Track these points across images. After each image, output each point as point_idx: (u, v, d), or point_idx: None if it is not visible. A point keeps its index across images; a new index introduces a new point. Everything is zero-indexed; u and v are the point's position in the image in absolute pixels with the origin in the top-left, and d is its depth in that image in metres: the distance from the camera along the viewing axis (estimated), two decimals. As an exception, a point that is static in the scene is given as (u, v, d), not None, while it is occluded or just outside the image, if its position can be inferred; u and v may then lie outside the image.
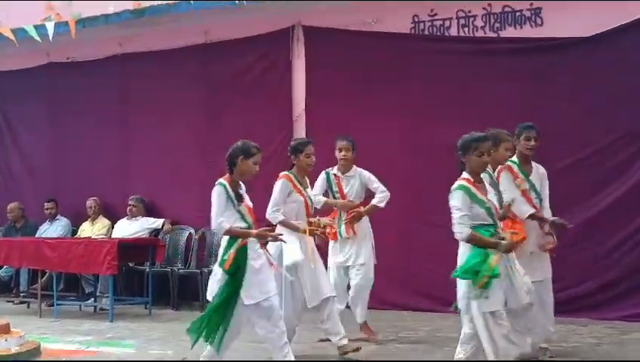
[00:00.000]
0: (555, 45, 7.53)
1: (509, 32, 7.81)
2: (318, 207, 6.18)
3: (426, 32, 8.18)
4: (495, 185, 4.90)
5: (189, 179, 8.90)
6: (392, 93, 8.18)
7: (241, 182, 5.00)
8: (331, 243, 6.29)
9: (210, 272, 5.27)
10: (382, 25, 8.33)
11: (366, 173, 6.33)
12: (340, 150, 6.26)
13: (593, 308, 7.17)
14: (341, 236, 6.21)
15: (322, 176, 6.31)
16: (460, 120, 7.43)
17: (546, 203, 5.54)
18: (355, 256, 6.22)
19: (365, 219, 6.32)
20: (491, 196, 4.47)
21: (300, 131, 8.47)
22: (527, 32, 7.71)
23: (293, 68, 8.86)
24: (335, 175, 6.31)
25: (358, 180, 6.29)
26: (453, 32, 8.06)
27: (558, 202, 7.28)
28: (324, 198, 6.25)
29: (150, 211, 9.47)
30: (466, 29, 8.01)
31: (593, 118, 7.32)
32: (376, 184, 6.28)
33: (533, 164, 5.55)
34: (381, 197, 6.22)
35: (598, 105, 7.32)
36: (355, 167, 6.34)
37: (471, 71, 7.79)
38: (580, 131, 7.35)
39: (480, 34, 7.94)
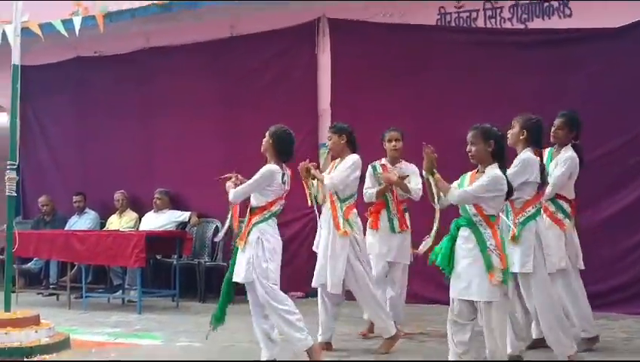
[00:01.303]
0: (583, 36, 7.45)
1: (537, 24, 7.74)
2: (373, 199, 6.09)
3: (453, 24, 8.13)
4: None
5: (215, 172, 8.90)
6: (419, 86, 8.15)
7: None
8: (371, 232, 6.15)
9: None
10: (408, 17, 8.29)
11: (412, 166, 6.14)
12: (390, 140, 6.15)
13: (624, 302, 7.10)
14: (394, 230, 6.08)
15: (369, 170, 6.17)
16: (488, 112, 7.38)
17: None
18: (399, 254, 6.11)
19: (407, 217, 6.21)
20: None
21: (326, 125, 8.43)
22: (556, 23, 7.63)
23: (319, 61, 8.86)
24: (383, 165, 6.21)
25: (406, 172, 6.12)
26: (480, 23, 8.00)
27: (590, 193, 7.24)
28: (375, 190, 6.10)
29: (177, 204, 9.53)
30: (493, 21, 7.95)
31: (621, 109, 7.23)
32: (414, 183, 6.06)
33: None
34: (415, 191, 6.06)
35: (625, 97, 7.24)
36: (402, 160, 6.20)
37: (498, 63, 7.73)
38: (607, 123, 7.25)
39: (507, 25, 7.87)
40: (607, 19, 7.28)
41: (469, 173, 4.51)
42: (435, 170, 4.44)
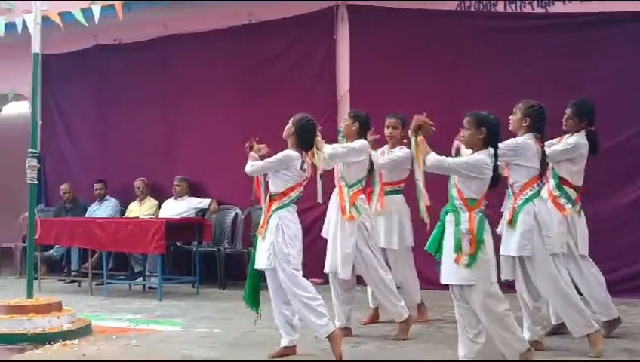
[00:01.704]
0: (604, 20, 7.35)
1: (558, 7, 7.65)
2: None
3: (472, 9, 8.06)
4: None
5: (235, 160, 8.93)
6: (438, 72, 8.11)
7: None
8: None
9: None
10: (427, 2, 8.23)
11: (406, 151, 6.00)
12: (387, 127, 6.16)
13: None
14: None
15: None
16: (508, 97, 7.32)
17: None
18: (385, 240, 6.05)
19: (401, 199, 6.13)
20: None
21: (345, 111, 8.40)
22: (576, 6, 7.54)
23: (337, 47, 8.83)
24: (383, 150, 6.18)
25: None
26: (500, 8, 7.93)
27: (607, 181, 7.19)
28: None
29: (197, 191, 9.57)
30: (513, 6, 7.87)
31: (635, 99, 7.16)
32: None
33: None
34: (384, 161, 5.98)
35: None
36: (404, 146, 6.05)
37: (519, 48, 7.66)
38: (630, 107, 7.18)
39: (527, 10, 7.80)
40: (628, 2, 7.18)
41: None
42: (419, 133, 4.53)
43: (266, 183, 5.17)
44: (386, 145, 6.21)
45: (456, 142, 4.89)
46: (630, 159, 7.16)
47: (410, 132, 4.62)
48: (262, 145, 5.27)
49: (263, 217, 5.09)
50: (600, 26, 7.37)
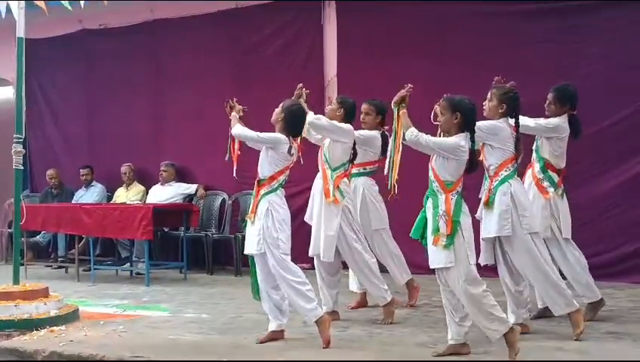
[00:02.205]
0: (591, 5, 7.36)
1: (545, -7, 7.65)
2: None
3: (459, -5, 8.04)
4: None
5: (222, 145, 8.89)
6: (425, 57, 8.09)
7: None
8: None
9: (243, 237, 5.32)
10: (415, -14, 8.20)
11: (370, 134, 6.01)
12: (362, 112, 6.15)
13: (630, 271, 7.11)
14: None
15: None
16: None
17: None
18: (367, 222, 6.01)
19: (366, 181, 6.07)
20: None
21: (332, 96, 8.40)
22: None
23: (325, 32, 8.81)
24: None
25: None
26: (487, -6, 7.91)
27: (593, 166, 7.23)
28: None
29: (184, 177, 9.55)
30: (501, -9, 7.86)
31: (629, 78, 7.18)
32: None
33: None
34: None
35: (632, 66, 7.17)
36: (376, 131, 6.07)
37: (506, 33, 7.67)
38: (615, 92, 7.21)
39: (516, -5, 7.79)
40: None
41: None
42: (402, 105, 4.63)
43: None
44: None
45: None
46: (617, 143, 7.19)
47: (392, 104, 4.70)
48: (241, 107, 5.30)
49: (252, 202, 5.08)
50: (587, 11, 7.36)
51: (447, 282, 4.48)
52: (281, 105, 5.15)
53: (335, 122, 5.71)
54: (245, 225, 5.15)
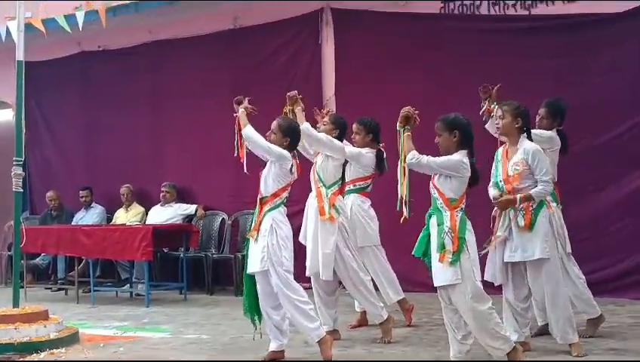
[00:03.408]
0: (587, 22, 7.40)
1: (541, 10, 7.69)
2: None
3: (456, 12, 8.09)
4: None
5: (221, 165, 8.95)
6: (423, 75, 8.12)
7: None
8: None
9: (244, 257, 5.31)
10: (411, 6, 8.25)
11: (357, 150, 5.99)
12: (352, 132, 6.16)
13: (632, 287, 7.08)
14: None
15: None
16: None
17: None
18: (353, 238, 5.95)
19: (356, 198, 6.03)
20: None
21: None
22: (559, 8, 7.58)
23: (322, 51, 8.84)
24: None
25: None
26: (484, 11, 7.95)
27: (593, 180, 7.23)
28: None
29: (183, 197, 9.55)
30: (496, 8, 7.90)
31: (628, 93, 7.20)
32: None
33: None
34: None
35: (632, 81, 7.20)
36: (367, 148, 6.05)
37: (502, 50, 7.69)
38: (615, 107, 7.22)
39: (511, 12, 7.83)
40: (610, 4, 7.22)
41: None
42: (408, 128, 4.63)
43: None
44: None
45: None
46: (614, 159, 7.20)
47: (398, 124, 4.69)
48: (250, 106, 5.36)
49: (254, 219, 5.06)
50: (584, 27, 7.41)
51: (453, 299, 4.46)
52: (278, 128, 5.12)
53: (330, 137, 5.73)
54: (247, 245, 5.14)
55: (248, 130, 5.13)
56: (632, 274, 7.14)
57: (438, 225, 4.47)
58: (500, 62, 7.66)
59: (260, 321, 5.18)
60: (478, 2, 7.98)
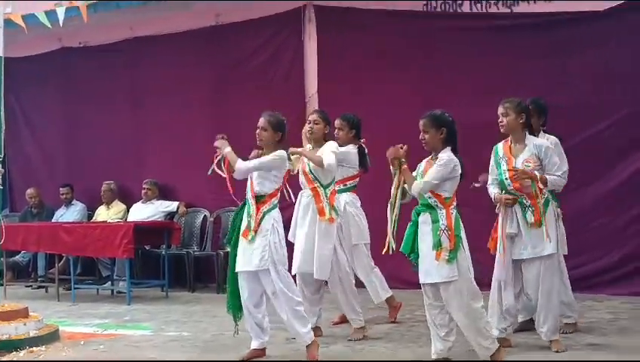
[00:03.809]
0: (568, 20, 7.45)
1: (523, 8, 7.72)
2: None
3: (438, 10, 8.11)
4: None
5: (203, 162, 8.89)
6: (404, 72, 8.14)
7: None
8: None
9: (225, 254, 5.30)
10: (394, 3, 8.26)
11: (345, 150, 5.97)
12: (335, 128, 6.13)
13: (609, 283, 7.16)
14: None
15: None
16: (474, 98, 7.41)
17: None
18: (347, 237, 6.01)
19: (348, 197, 6.06)
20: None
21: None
22: (541, 6, 7.62)
23: (305, 48, 8.83)
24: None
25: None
26: (466, 9, 7.97)
27: (574, 178, 7.28)
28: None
29: (165, 194, 9.51)
30: (478, 6, 7.93)
31: (609, 91, 7.26)
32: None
33: None
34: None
35: (612, 79, 7.26)
36: (351, 145, 6.06)
37: (484, 48, 7.72)
38: (595, 104, 7.28)
39: (493, 10, 7.86)
40: (591, 3, 7.27)
41: (424, 161, 4.66)
42: (403, 161, 4.56)
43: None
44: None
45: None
46: (596, 156, 7.25)
47: (392, 168, 4.62)
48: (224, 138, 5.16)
49: (250, 220, 4.96)
50: (565, 25, 7.45)
51: (445, 296, 4.45)
52: (267, 123, 5.07)
53: (336, 152, 5.65)
54: (232, 243, 5.09)
55: (241, 166, 4.96)
56: (610, 271, 7.22)
57: (433, 222, 4.46)
58: (480, 61, 7.70)
59: (240, 319, 5.16)
60: (460, 1, 7.99)
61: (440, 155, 4.53)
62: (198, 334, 6.02)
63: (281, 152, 5.02)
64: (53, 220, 9.70)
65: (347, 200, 6.04)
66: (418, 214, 4.57)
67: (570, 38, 7.42)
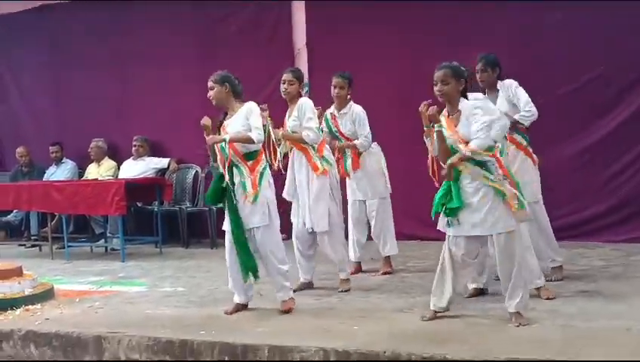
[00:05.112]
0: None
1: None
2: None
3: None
4: None
5: (191, 118, 8.85)
6: (394, 25, 8.05)
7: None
8: (347, 179, 6.27)
9: (218, 210, 5.30)
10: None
11: (357, 111, 6.10)
12: (334, 87, 6.08)
13: (601, 231, 7.23)
14: (347, 170, 6.17)
15: (323, 117, 6.14)
16: (463, 49, 7.34)
17: None
18: (369, 191, 6.21)
19: (375, 152, 6.24)
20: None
21: (302, 66, 8.30)
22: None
23: (292, 2, 8.72)
24: (332, 113, 6.18)
25: (350, 117, 6.11)
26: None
27: (563, 127, 7.30)
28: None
29: (155, 151, 9.48)
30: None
31: (590, 46, 7.24)
32: (361, 128, 6.08)
33: None
34: (361, 142, 6.07)
35: (594, 34, 7.22)
36: (351, 103, 6.12)
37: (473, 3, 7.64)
38: (577, 60, 7.27)
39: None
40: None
41: (444, 120, 4.44)
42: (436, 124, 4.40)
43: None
44: (333, 106, 6.21)
45: None
46: (580, 107, 7.27)
47: (426, 127, 4.46)
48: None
49: (247, 180, 4.94)
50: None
51: (507, 246, 4.32)
52: (215, 82, 5.17)
53: (312, 118, 5.60)
54: (232, 205, 4.98)
55: (234, 138, 4.94)
56: (600, 218, 7.28)
57: (486, 176, 4.31)
58: (468, 11, 7.62)
59: (258, 278, 5.06)
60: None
61: (464, 106, 4.41)
62: (192, 289, 6.07)
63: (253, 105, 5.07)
64: (44, 179, 9.66)
65: (380, 153, 6.30)
66: (459, 171, 4.39)
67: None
